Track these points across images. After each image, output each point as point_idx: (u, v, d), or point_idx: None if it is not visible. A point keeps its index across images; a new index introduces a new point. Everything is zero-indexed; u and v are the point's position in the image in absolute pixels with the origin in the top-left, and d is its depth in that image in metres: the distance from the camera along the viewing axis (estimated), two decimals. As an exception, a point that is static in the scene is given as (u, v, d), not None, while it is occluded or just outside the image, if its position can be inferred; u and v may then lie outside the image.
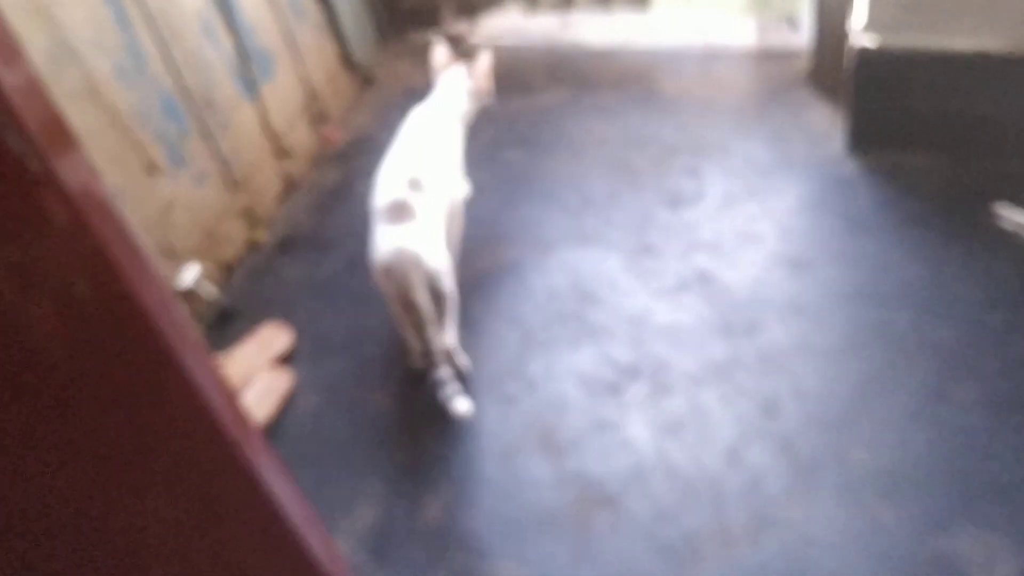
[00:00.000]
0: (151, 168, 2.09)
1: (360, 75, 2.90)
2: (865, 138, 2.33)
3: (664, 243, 2.24)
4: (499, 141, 2.63)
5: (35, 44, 1.73)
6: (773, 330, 1.96)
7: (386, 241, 1.86)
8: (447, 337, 1.96)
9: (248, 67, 2.37)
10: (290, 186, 2.62)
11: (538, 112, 2.72)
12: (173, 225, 2.18)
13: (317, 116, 2.72)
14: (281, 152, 2.56)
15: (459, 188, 2.19)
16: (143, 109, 2.02)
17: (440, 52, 2.25)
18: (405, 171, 1.95)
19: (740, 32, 2.77)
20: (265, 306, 2.30)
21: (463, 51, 2.32)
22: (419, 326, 1.85)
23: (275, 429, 1.99)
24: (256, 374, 2.10)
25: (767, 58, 2.73)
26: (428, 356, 1.87)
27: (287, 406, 2.04)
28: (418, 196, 1.91)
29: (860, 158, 2.34)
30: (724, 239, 2.22)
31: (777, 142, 2.44)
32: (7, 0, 1.65)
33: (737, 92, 2.64)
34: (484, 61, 2.22)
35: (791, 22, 2.65)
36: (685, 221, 2.29)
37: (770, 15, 2.69)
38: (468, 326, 2.14)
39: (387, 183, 1.95)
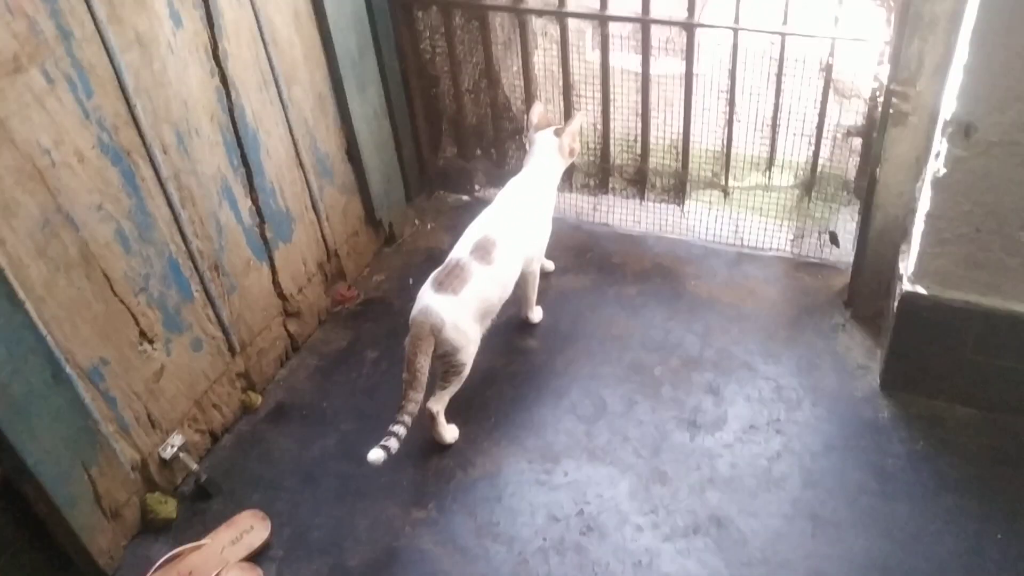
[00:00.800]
0: (143, 337, 1.97)
1: (383, 233, 2.81)
2: (903, 381, 2.19)
3: (678, 472, 2.08)
4: (517, 326, 2.51)
5: (26, 212, 1.63)
6: (790, 603, 1.79)
7: (422, 299, 2.10)
8: (436, 403, 2.14)
9: (265, 229, 2.28)
10: (294, 347, 2.50)
11: (560, 296, 2.61)
12: (160, 394, 2.05)
13: (333, 275, 2.62)
14: (289, 313, 2.45)
15: (539, 257, 2.43)
16: (142, 276, 1.92)
17: (536, 110, 2.45)
18: (475, 236, 2.20)
19: (777, 237, 2.67)
20: (247, 485, 2.15)
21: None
22: (407, 382, 2.01)
23: (233, 649, 1.81)
24: (224, 571, 1.94)
25: (803, 269, 2.62)
26: (399, 408, 2.00)
27: (251, 617, 1.87)
28: (478, 265, 2.14)
29: (896, 400, 2.20)
30: (743, 477, 2.06)
31: (807, 368, 2.31)
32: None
33: (768, 303, 2.53)
34: (577, 121, 2.43)
35: (833, 238, 2.55)
36: (703, 448, 2.14)
37: (811, 225, 2.58)
38: (455, 542, 1.98)
39: (458, 246, 2.20)
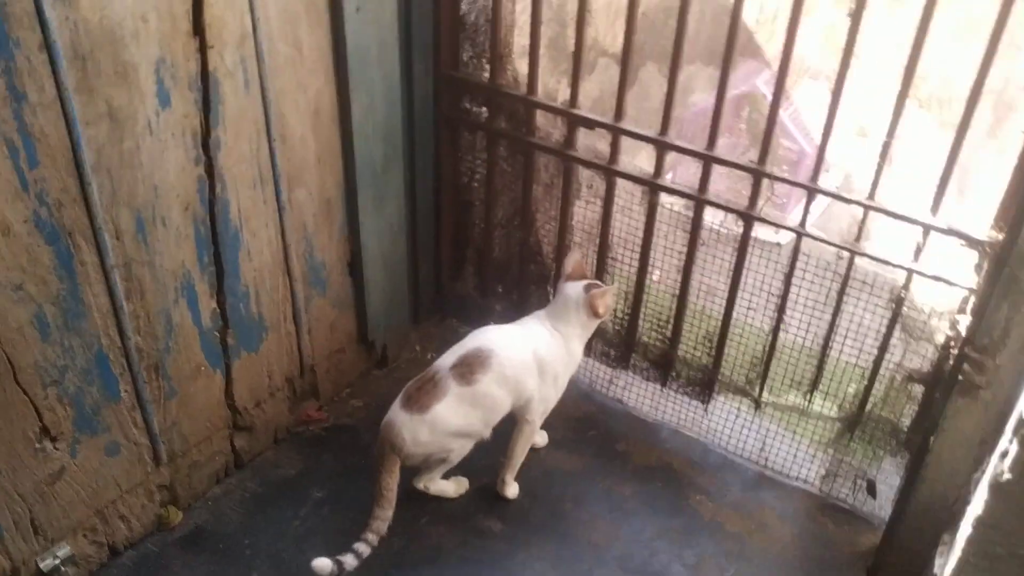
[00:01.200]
0: (44, 434, 1.73)
1: (374, 355, 2.54)
2: None
3: None
4: (483, 497, 2.19)
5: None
6: None
7: (390, 413, 1.98)
8: (419, 480, 2.09)
9: (227, 335, 2.04)
10: (237, 464, 2.23)
11: (545, 476, 2.28)
12: (53, 498, 1.80)
13: (303, 391, 2.35)
14: (239, 427, 2.18)
15: (541, 409, 2.13)
16: (57, 367, 1.69)
17: (572, 259, 2.19)
18: (464, 349, 2.01)
19: (807, 467, 2.30)
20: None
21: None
22: (374, 498, 1.89)
23: None
24: None
25: (829, 513, 2.23)
26: (365, 525, 1.87)
27: None
28: (455, 384, 1.95)
29: None
30: None
31: (805, 647, 1.92)
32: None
33: (779, 545, 2.14)
34: (611, 293, 2.15)
35: (870, 487, 2.17)
36: None
37: (847, 466, 2.21)
38: None
39: (444, 356, 2.03)
